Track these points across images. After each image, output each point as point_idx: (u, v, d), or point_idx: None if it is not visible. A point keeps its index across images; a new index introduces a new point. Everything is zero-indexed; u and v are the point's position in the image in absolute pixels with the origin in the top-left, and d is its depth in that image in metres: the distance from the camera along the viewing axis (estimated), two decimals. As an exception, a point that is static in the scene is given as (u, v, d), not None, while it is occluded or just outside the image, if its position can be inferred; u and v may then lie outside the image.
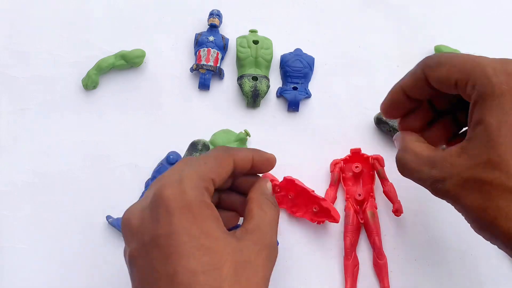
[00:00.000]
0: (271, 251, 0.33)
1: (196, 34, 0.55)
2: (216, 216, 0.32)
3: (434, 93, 0.35)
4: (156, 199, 0.31)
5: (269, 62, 0.53)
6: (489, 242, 0.31)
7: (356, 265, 0.46)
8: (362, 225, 0.47)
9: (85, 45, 0.55)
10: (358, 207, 0.48)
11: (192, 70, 0.53)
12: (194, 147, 0.49)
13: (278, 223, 0.36)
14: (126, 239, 0.32)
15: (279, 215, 0.36)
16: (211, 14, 0.55)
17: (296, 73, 0.53)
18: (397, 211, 0.46)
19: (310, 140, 0.51)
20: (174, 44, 0.56)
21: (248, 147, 0.51)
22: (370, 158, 0.48)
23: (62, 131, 0.52)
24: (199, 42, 0.54)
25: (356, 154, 0.49)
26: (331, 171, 0.49)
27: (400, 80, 0.37)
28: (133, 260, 0.31)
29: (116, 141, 0.52)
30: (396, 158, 0.36)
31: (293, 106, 0.52)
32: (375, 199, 0.48)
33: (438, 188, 0.32)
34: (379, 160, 0.48)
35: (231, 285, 0.29)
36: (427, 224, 0.48)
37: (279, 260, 0.47)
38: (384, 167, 0.48)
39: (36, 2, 0.58)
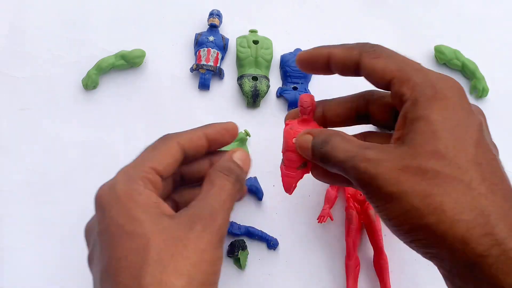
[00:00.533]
0: (208, 222, 0.31)
1: (196, 34, 0.55)
2: (150, 201, 0.31)
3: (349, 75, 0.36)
4: (94, 202, 0.33)
5: (269, 62, 0.53)
6: (408, 244, 0.30)
7: (357, 265, 0.46)
8: (363, 224, 0.47)
9: (85, 45, 0.55)
10: (359, 206, 0.48)
11: (192, 70, 0.53)
12: None
13: (231, 194, 0.33)
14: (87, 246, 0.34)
15: (235, 186, 0.34)
16: (211, 14, 0.55)
17: (296, 73, 0.53)
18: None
19: (310, 140, 0.51)
20: (174, 44, 0.56)
21: (248, 147, 0.51)
22: None
23: (62, 131, 0.52)
24: (199, 42, 0.54)
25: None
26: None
27: (333, 46, 0.36)
28: (89, 263, 0.33)
29: (116, 141, 0.52)
30: (312, 146, 0.34)
31: (293, 106, 0.52)
32: None
33: (368, 169, 0.30)
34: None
35: (154, 264, 0.29)
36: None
37: (280, 260, 0.47)
38: None
39: (36, 2, 0.58)
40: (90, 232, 0.33)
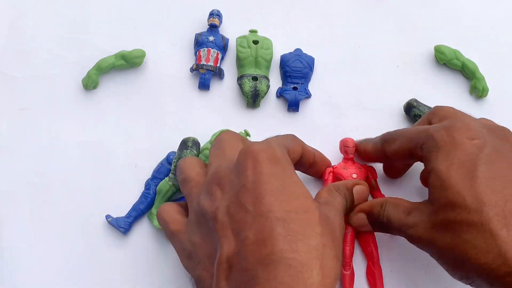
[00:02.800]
0: (339, 224, 0.36)
1: (196, 34, 0.55)
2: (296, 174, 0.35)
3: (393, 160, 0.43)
4: (245, 153, 0.33)
5: (269, 62, 0.53)
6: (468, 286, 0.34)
7: (353, 275, 0.44)
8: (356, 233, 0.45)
9: (85, 45, 0.55)
10: None
11: (192, 70, 0.53)
12: (184, 144, 0.49)
13: (342, 208, 0.39)
14: (216, 195, 0.34)
15: (344, 206, 0.39)
16: (211, 14, 0.55)
17: (296, 73, 0.53)
18: None
19: (310, 140, 0.51)
20: (174, 44, 0.56)
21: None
22: (364, 168, 0.46)
23: (62, 131, 0.52)
24: (199, 42, 0.54)
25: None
26: (325, 179, 0.45)
27: (364, 143, 0.45)
28: (226, 211, 0.33)
29: (116, 141, 0.52)
30: (370, 222, 0.40)
31: (293, 106, 0.52)
32: None
33: (412, 234, 0.35)
34: (371, 172, 0.46)
35: (320, 227, 0.31)
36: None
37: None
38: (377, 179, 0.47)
39: (36, 2, 0.58)
40: (226, 182, 0.34)
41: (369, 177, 0.46)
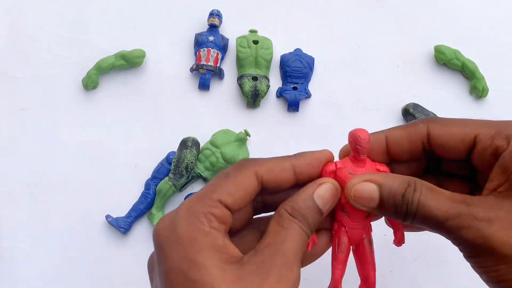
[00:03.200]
0: (283, 273, 0.27)
1: (196, 34, 0.55)
2: (216, 243, 0.27)
3: (424, 158, 0.32)
4: (153, 238, 0.29)
5: (269, 62, 0.53)
6: None
7: None
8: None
9: (85, 45, 0.55)
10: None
11: (192, 70, 0.53)
12: (184, 144, 0.49)
13: (304, 243, 0.29)
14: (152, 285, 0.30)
15: (308, 234, 0.29)
16: (211, 14, 0.55)
17: (296, 73, 0.53)
18: (400, 242, 0.35)
19: (310, 140, 0.51)
20: (174, 44, 0.56)
21: (248, 147, 0.51)
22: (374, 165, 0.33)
23: (62, 131, 0.52)
24: (199, 42, 0.54)
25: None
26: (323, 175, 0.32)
27: (387, 129, 0.33)
28: None
29: (116, 141, 0.52)
30: (382, 198, 0.29)
31: (293, 106, 0.52)
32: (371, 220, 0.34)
33: (480, 231, 0.27)
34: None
35: None
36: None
37: None
38: None
39: (36, 2, 0.58)
40: (152, 268, 0.30)
41: None
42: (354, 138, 0.31)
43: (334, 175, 0.31)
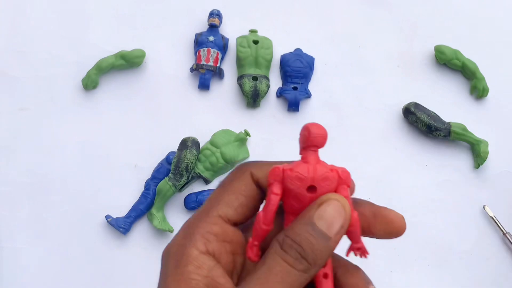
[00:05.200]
0: None
1: (196, 34, 0.55)
2: (200, 273, 0.24)
3: None
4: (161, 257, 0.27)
5: (269, 62, 0.53)
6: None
7: None
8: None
9: (85, 45, 0.55)
10: None
11: (192, 70, 0.53)
12: (184, 144, 0.49)
13: (292, 283, 0.23)
14: None
15: (305, 267, 0.23)
16: (211, 14, 0.55)
17: (296, 73, 0.53)
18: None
19: (310, 140, 0.51)
20: (174, 44, 0.56)
21: (248, 147, 0.51)
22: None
23: (62, 131, 0.52)
24: (199, 42, 0.54)
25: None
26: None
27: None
28: None
29: (116, 141, 0.52)
30: None
31: (293, 106, 0.52)
32: None
33: None
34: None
35: None
36: (427, 224, 0.48)
37: None
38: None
39: (36, 2, 0.58)
40: (165, 260, 0.27)
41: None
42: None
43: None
